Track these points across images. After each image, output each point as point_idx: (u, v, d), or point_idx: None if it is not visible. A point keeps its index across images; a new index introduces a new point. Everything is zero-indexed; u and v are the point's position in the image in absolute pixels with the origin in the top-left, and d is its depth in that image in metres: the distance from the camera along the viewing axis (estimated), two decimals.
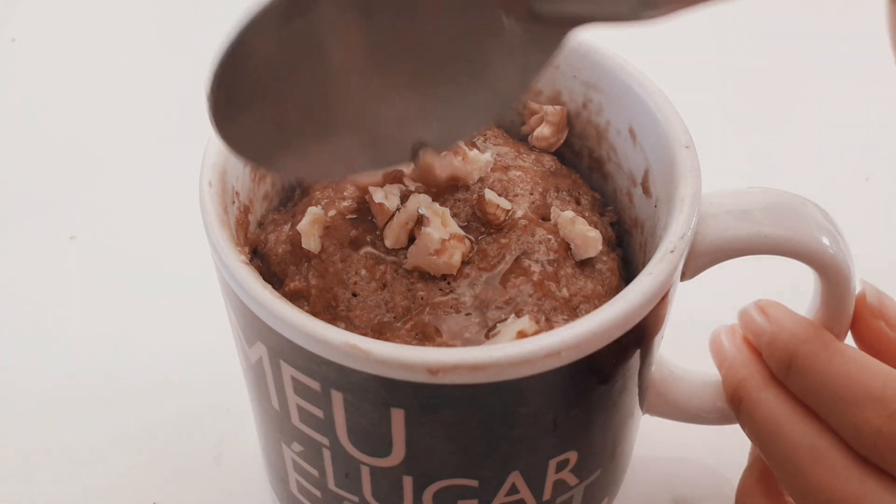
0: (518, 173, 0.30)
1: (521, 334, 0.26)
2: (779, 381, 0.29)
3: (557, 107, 0.32)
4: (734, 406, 0.30)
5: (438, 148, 0.27)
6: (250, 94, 0.23)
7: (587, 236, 0.28)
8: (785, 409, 0.28)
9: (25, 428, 0.38)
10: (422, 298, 0.27)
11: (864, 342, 0.29)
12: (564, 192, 0.30)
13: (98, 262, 0.44)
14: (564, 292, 0.28)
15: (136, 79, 0.53)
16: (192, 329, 0.41)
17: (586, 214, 0.30)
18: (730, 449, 0.37)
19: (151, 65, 0.54)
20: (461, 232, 0.28)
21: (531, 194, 0.30)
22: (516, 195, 0.29)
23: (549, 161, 0.31)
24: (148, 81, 0.53)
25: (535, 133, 0.32)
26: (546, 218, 0.29)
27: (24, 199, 0.47)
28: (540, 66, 0.25)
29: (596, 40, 0.30)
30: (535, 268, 0.28)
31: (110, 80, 0.53)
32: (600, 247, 0.29)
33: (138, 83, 0.53)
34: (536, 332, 0.26)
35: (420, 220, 0.28)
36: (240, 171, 0.29)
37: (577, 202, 0.30)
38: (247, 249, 0.28)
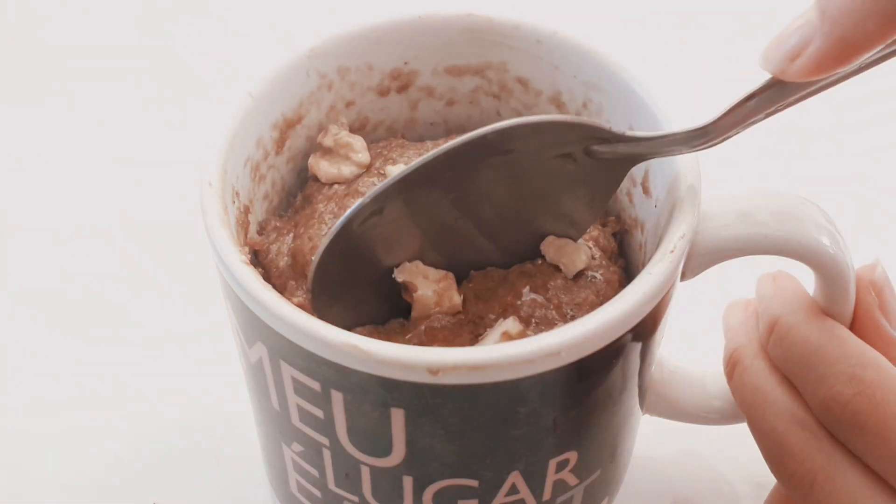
0: None
1: (507, 335, 0.26)
2: None
3: None
4: (728, 371, 0.30)
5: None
6: (340, 286, 0.28)
7: (571, 256, 0.29)
8: (773, 378, 0.28)
9: (25, 427, 0.38)
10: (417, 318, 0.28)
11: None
12: None
13: (98, 261, 0.44)
14: (555, 302, 0.28)
15: (138, 77, 0.53)
16: (191, 328, 0.41)
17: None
18: (730, 449, 0.37)
19: (153, 63, 0.54)
20: (440, 272, 0.28)
21: None
22: None
23: None
24: (149, 80, 0.53)
25: None
26: None
27: (24, 199, 0.47)
28: (607, 197, 0.28)
29: (596, 41, 0.30)
30: (525, 281, 0.28)
31: (111, 79, 0.53)
32: (585, 257, 0.29)
33: (139, 81, 0.53)
34: (521, 334, 0.26)
35: (406, 287, 0.28)
36: (240, 170, 0.29)
37: None
38: (247, 249, 0.28)
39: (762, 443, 0.28)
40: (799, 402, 0.28)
